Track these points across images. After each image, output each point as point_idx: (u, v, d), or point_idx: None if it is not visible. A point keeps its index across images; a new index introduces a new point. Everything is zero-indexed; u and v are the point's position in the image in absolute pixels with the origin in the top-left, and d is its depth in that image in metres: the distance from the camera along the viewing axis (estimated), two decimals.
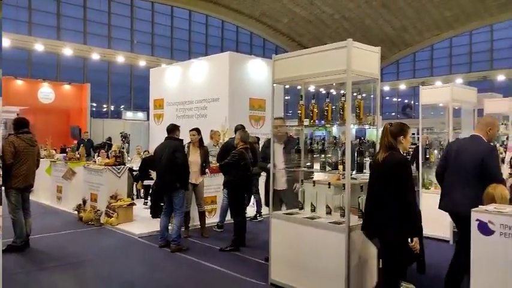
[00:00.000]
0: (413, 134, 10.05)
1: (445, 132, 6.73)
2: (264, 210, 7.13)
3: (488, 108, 8.29)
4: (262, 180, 7.59)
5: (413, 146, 11.85)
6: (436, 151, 7.14)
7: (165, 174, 5.53)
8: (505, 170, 7.42)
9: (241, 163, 5.51)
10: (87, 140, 13.19)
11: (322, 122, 4.16)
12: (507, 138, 8.18)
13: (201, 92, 9.88)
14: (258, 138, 8.06)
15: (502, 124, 8.21)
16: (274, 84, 4.40)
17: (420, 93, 6.99)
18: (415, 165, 8.25)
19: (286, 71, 4.24)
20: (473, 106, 7.16)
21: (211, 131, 7.47)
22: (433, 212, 6.37)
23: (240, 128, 6.77)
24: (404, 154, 4.01)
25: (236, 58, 9.85)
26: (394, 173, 3.23)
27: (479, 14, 23.46)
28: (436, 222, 6.27)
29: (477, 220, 3.03)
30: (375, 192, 3.37)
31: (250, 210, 7.79)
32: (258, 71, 9.47)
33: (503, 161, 7.90)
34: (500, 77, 22.82)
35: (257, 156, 6.71)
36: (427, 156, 6.99)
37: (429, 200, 6.56)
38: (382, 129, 3.53)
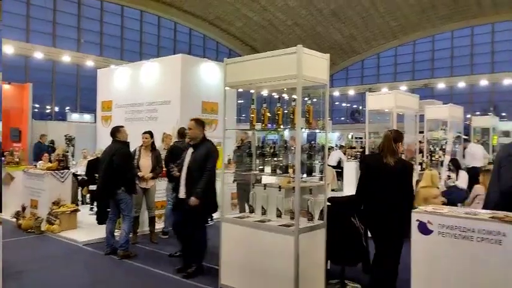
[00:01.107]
0: (361, 138, 10.41)
1: None
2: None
3: (428, 114, 8.79)
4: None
5: (361, 150, 12.32)
6: None
7: (103, 178, 5.42)
8: (443, 173, 7.90)
9: None
10: (47, 145, 12.07)
11: (274, 126, 4.22)
12: (446, 143, 8.70)
13: (151, 94, 9.65)
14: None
15: (441, 129, 8.74)
16: (227, 88, 4.41)
17: (367, 99, 7.28)
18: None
19: (238, 75, 4.25)
20: (416, 112, 7.56)
21: (164, 134, 7.32)
22: None
23: (183, 131, 6.70)
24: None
25: (189, 61, 9.73)
26: (407, 177, 3.80)
27: (422, 25, 24.84)
28: None
29: (417, 220, 3.19)
30: (391, 194, 3.71)
31: None
32: (210, 74, 9.41)
33: (442, 164, 8.41)
34: (441, 85, 24.27)
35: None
36: None
37: None
38: (384, 135, 3.96)
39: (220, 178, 4.67)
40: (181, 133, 6.43)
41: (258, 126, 4.34)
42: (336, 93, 28.74)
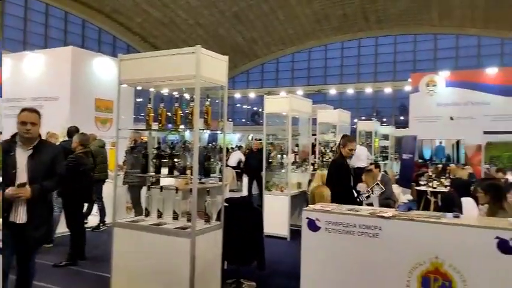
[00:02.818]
0: (260, 139, 10.73)
1: (286, 138, 7.38)
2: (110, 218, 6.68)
3: (320, 118, 9.42)
4: (106, 187, 7.14)
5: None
6: (279, 156, 7.78)
7: None
8: None
9: (80, 169, 5.06)
10: None
11: (172, 126, 4.12)
12: (335, 144, 9.39)
13: (36, 88, 8.74)
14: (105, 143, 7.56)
15: (331, 132, 9.42)
16: (125, 85, 4.22)
17: (265, 103, 7.53)
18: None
19: (134, 72, 4.07)
20: (309, 116, 8.04)
21: (48, 132, 6.68)
22: (274, 212, 6.95)
23: (74, 130, 6.26)
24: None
25: (80, 54, 9.04)
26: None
27: (316, 34, 26.53)
28: (276, 221, 6.84)
29: (307, 218, 3.39)
30: None
31: (93, 220, 7.24)
32: (105, 70, 8.86)
33: None
34: (332, 91, 26.18)
35: (95, 161, 6.27)
36: (270, 160, 7.56)
37: (270, 200, 7.11)
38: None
39: (113, 180, 4.42)
40: (70, 132, 5.96)
41: (155, 126, 4.22)
42: (238, 95, 29.24)
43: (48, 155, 3.42)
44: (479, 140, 9.72)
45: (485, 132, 9.50)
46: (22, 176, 3.26)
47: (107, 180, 7.19)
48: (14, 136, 3.40)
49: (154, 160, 4.13)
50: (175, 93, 5.30)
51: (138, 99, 15.18)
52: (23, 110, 3.43)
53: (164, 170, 4.06)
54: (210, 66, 3.81)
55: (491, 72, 10.68)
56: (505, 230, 2.87)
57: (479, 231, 2.95)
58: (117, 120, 4.22)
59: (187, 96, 4.05)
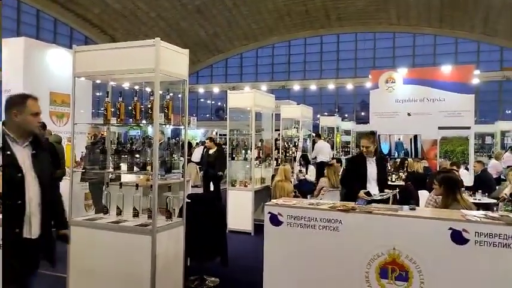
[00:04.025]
0: (225, 134, 10.71)
1: (249, 134, 7.37)
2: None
3: (284, 114, 9.49)
4: (63, 184, 6.87)
5: (224, 147, 12.64)
6: (243, 151, 7.77)
7: None
8: (295, 167, 8.62)
9: None
10: None
11: (131, 120, 4.01)
12: (298, 140, 9.51)
13: None
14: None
15: (294, 128, 9.52)
16: (82, 79, 4.06)
17: (228, 98, 7.49)
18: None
19: (90, 64, 3.91)
20: (272, 111, 8.07)
21: None
22: (237, 207, 6.95)
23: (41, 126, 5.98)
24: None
25: (34, 45, 8.59)
26: None
27: (279, 30, 26.65)
28: (240, 216, 6.84)
29: (269, 213, 3.39)
30: None
31: None
32: (61, 63, 8.46)
33: (295, 159, 9.18)
34: (296, 87, 26.43)
35: (59, 158, 6.04)
36: (234, 155, 7.54)
37: (234, 196, 7.09)
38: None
39: (69, 177, 4.25)
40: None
41: (114, 120, 4.09)
42: (201, 90, 28.94)
43: (47, 152, 2.89)
44: (434, 135, 10.14)
45: (440, 128, 9.92)
46: (30, 181, 2.60)
47: (64, 178, 6.91)
48: (3, 134, 2.61)
49: (113, 156, 4.00)
50: (136, 87, 5.15)
51: (98, 93, 14.70)
52: (27, 96, 2.70)
53: (124, 166, 3.95)
54: (170, 60, 3.73)
55: (446, 70, 11.16)
56: (458, 221, 3.00)
57: (434, 222, 3.07)
58: (72, 114, 4.05)
59: (149, 90, 3.95)
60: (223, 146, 10.12)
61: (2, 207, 2.47)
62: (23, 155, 2.62)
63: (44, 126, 6.01)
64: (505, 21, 20.78)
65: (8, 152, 2.55)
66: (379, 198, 4.04)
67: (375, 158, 4.71)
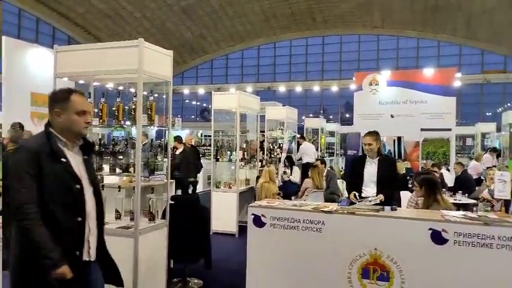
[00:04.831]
0: (210, 136, 10.68)
1: (234, 135, 7.37)
2: None
3: (269, 115, 9.51)
4: None
5: (209, 147, 12.61)
6: (228, 152, 7.76)
7: None
8: (280, 168, 8.65)
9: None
10: None
11: (114, 122, 3.97)
12: (283, 141, 9.55)
13: None
14: None
15: (279, 129, 9.55)
16: (65, 79, 4.01)
17: (213, 99, 7.47)
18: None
19: (72, 64, 3.87)
20: (257, 112, 8.08)
21: None
22: (222, 208, 6.93)
23: (17, 127, 5.88)
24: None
25: (15, 45, 8.42)
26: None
27: (265, 32, 26.73)
28: (224, 217, 6.83)
29: (252, 214, 3.40)
30: None
31: None
32: (43, 63, 8.31)
33: (279, 160, 9.20)
34: (281, 88, 26.52)
35: None
36: (218, 157, 7.53)
37: (218, 197, 7.08)
38: None
39: None
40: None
41: (96, 122, 4.04)
42: (186, 91, 28.80)
43: (92, 157, 2.53)
44: (417, 136, 10.29)
45: (422, 130, 10.07)
46: (87, 193, 2.23)
47: None
48: (48, 133, 2.20)
49: (95, 157, 3.95)
50: (120, 87, 5.10)
51: None
52: (70, 92, 2.29)
53: (106, 168, 3.91)
54: (153, 61, 3.71)
55: (429, 72, 11.33)
56: (438, 221, 3.05)
57: (414, 223, 3.12)
58: None
59: (133, 91, 3.92)
60: (199, 147, 9.89)
61: (58, 226, 2.08)
62: (77, 162, 2.26)
63: (21, 126, 5.89)
64: (486, 25, 21.25)
65: (63, 160, 2.16)
66: (362, 204, 3.90)
67: (377, 158, 4.49)
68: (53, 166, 2.11)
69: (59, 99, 2.26)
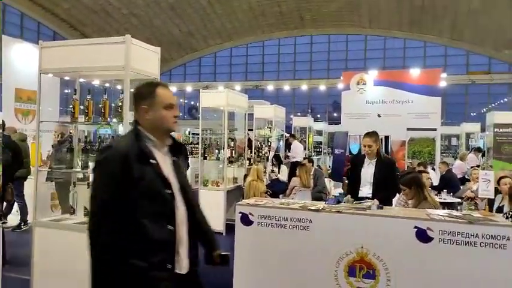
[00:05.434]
0: (198, 134, 10.63)
1: (222, 133, 7.35)
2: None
3: (257, 114, 9.52)
4: (28, 184, 6.66)
5: (197, 145, 12.55)
6: (216, 150, 7.74)
7: None
8: (268, 167, 8.66)
9: None
10: None
11: (100, 119, 3.93)
12: (271, 139, 9.56)
13: None
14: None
15: (267, 128, 9.56)
16: (50, 75, 3.95)
17: (200, 97, 7.44)
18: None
19: (57, 60, 3.80)
20: (245, 111, 8.07)
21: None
22: (209, 207, 6.89)
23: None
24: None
25: None
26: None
27: (253, 30, 26.71)
28: (212, 216, 6.79)
29: (240, 213, 3.39)
30: None
31: (14, 219, 6.73)
32: (27, 58, 8.17)
33: (267, 159, 9.21)
34: (270, 87, 26.55)
35: (22, 156, 5.84)
36: (206, 155, 7.50)
37: (206, 195, 7.05)
38: None
39: (34, 176, 4.12)
40: None
41: (82, 119, 4.00)
42: (174, 89, 28.59)
43: (183, 158, 2.32)
44: (403, 136, 10.41)
45: (409, 129, 10.19)
46: (178, 199, 2.04)
47: (29, 177, 6.69)
48: (136, 132, 2.03)
49: (81, 155, 3.91)
50: (107, 84, 5.04)
51: (66, 91, 14.30)
52: (155, 85, 2.12)
53: (92, 165, 3.85)
54: (140, 58, 3.67)
55: (415, 73, 11.47)
56: (423, 220, 3.09)
57: (400, 221, 3.15)
58: (38, 111, 3.93)
59: (120, 87, 3.87)
60: (186, 145, 9.87)
61: (148, 236, 1.88)
62: (166, 164, 2.05)
63: (3, 123, 5.79)
64: (471, 27, 21.59)
65: (153, 161, 1.96)
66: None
67: (375, 159, 4.39)
68: (143, 169, 1.91)
69: (144, 94, 2.08)
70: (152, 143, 2.02)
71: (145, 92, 2.08)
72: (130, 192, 1.89)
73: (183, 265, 2.03)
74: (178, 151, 2.16)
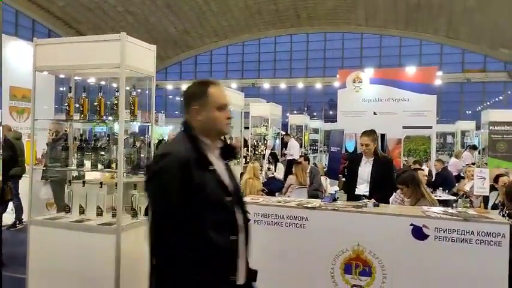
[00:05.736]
0: None
1: None
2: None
3: (253, 112, 9.50)
4: (22, 182, 6.63)
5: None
6: None
7: None
8: (264, 165, 8.66)
9: None
10: None
11: (95, 117, 3.91)
12: (268, 137, 9.56)
13: None
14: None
15: (264, 126, 9.56)
16: (45, 73, 3.92)
17: None
18: None
19: (52, 58, 3.77)
20: (241, 109, 8.06)
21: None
22: None
23: None
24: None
25: None
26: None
27: (249, 28, 26.67)
28: None
29: None
30: None
31: (9, 218, 6.69)
32: (22, 56, 8.13)
33: (263, 157, 9.21)
34: (266, 85, 26.54)
35: (18, 155, 5.81)
36: None
37: None
38: None
39: (29, 174, 4.10)
40: None
41: (77, 117, 3.97)
42: (170, 87, 28.54)
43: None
44: (399, 134, 10.43)
45: (404, 127, 10.21)
46: (237, 207, 1.94)
47: (24, 175, 6.65)
48: (191, 136, 1.90)
49: (76, 153, 3.88)
50: (102, 82, 5.01)
51: (62, 88, 14.23)
52: (207, 84, 1.97)
53: (88, 164, 3.84)
54: (136, 55, 3.65)
55: (411, 71, 11.48)
56: (419, 217, 3.10)
57: (396, 219, 3.16)
58: (33, 109, 3.90)
59: (115, 85, 3.85)
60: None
61: (213, 248, 1.78)
62: (221, 168, 1.93)
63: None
64: (467, 25, 21.66)
65: (211, 168, 1.84)
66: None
67: (373, 158, 4.37)
68: (203, 176, 1.79)
69: (195, 94, 1.96)
70: (207, 147, 1.90)
71: (197, 92, 1.97)
72: (194, 202, 1.77)
73: (241, 275, 1.93)
74: (231, 154, 2.05)
